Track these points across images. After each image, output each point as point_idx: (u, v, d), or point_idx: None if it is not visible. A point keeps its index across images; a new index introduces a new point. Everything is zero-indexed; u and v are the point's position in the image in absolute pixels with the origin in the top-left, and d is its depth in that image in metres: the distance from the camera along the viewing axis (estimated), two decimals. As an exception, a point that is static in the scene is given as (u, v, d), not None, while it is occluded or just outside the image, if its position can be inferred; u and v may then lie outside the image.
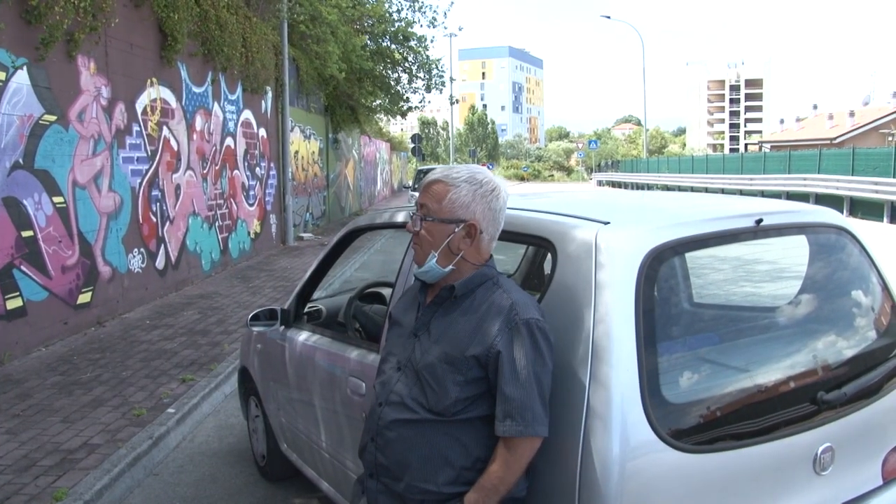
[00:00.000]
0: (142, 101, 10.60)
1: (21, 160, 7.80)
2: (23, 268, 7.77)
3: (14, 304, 7.61)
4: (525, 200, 3.17)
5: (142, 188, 10.55)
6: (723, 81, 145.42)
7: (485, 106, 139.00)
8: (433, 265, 2.39)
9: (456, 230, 2.36)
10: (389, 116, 32.91)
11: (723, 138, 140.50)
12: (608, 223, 2.56)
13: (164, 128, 11.34)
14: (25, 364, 7.43)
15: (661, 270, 2.50)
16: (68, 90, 8.71)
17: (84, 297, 8.96)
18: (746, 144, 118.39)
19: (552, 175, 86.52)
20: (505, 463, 2.24)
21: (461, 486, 2.30)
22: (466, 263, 2.40)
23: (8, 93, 7.59)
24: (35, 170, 8.05)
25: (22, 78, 7.83)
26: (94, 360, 7.57)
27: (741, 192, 32.21)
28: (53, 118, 8.38)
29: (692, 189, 37.59)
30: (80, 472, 4.86)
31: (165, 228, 11.33)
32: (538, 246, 2.92)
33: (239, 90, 14.99)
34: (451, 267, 2.39)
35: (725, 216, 2.86)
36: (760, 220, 2.72)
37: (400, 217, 3.67)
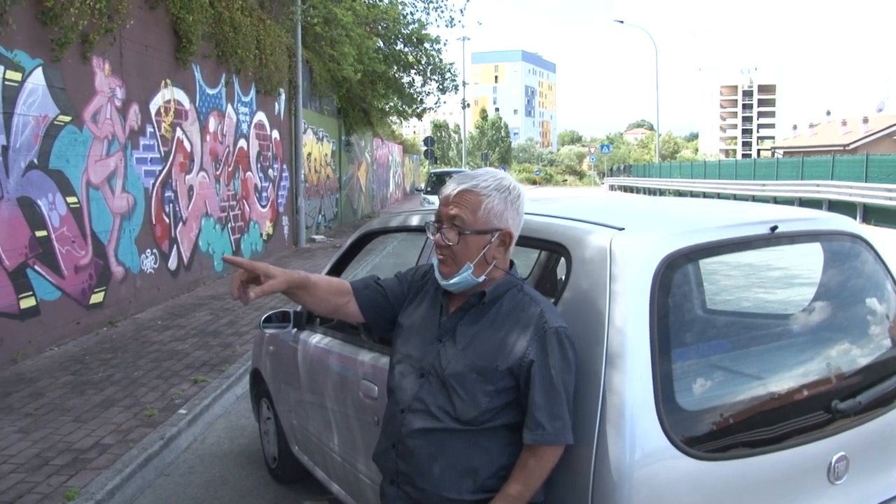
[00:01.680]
0: (156, 103, 10.64)
1: (36, 160, 7.85)
2: (36, 267, 7.81)
3: (27, 303, 7.65)
4: (539, 205, 3.17)
5: (155, 189, 10.59)
6: (736, 87, 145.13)
7: (497, 109, 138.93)
8: (467, 276, 2.35)
9: (492, 240, 2.34)
10: (402, 119, 32.92)
11: (735, 144, 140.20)
12: (623, 229, 2.55)
13: (178, 129, 11.38)
14: (38, 363, 7.46)
15: (675, 277, 2.49)
16: (83, 91, 8.76)
17: (97, 297, 9.00)
18: (759, 150, 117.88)
19: (566, 180, 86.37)
20: (530, 471, 2.23)
21: (484, 494, 2.29)
22: (497, 270, 2.39)
23: (24, 93, 7.64)
24: (49, 170, 8.09)
25: (37, 78, 7.88)
26: (106, 360, 7.60)
27: (753, 198, 32.08)
28: (68, 119, 8.43)
29: (704, 194, 37.48)
30: (92, 472, 4.88)
31: (178, 229, 11.37)
32: (552, 251, 2.91)
33: (252, 92, 15.04)
34: (483, 276, 2.36)
35: (740, 223, 2.85)
36: (775, 228, 2.71)
37: (413, 221, 3.66)
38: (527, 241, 2.75)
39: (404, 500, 2.42)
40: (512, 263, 2.46)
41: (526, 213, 2.48)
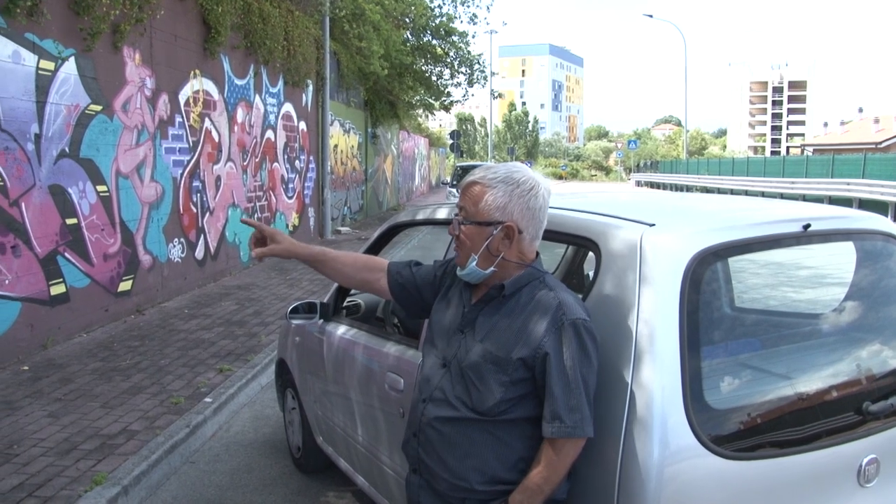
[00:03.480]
0: (185, 93, 10.71)
1: (67, 149, 7.92)
2: (66, 254, 7.90)
3: (58, 289, 7.74)
4: (568, 200, 3.16)
5: (183, 179, 10.67)
6: (765, 83, 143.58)
7: (524, 103, 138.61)
8: (474, 268, 2.37)
9: (494, 232, 2.33)
10: (429, 112, 32.91)
11: (764, 141, 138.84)
12: (653, 225, 2.54)
13: (206, 119, 11.45)
14: (67, 349, 7.55)
15: (705, 274, 2.48)
16: (114, 81, 8.83)
17: (125, 285, 9.08)
18: (788, 147, 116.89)
19: (595, 175, 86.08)
20: (550, 464, 2.22)
21: (502, 486, 2.30)
22: (509, 263, 2.37)
23: (56, 83, 7.71)
24: (80, 159, 8.17)
25: (70, 68, 7.95)
26: (134, 347, 7.67)
27: (782, 196, 31.77)
28: (99, 108, 8.50)
29: (732, 191, 37.18)
30: (119, 458, 4.93)
31: (205, 219, 11.45)
32: (581, 246, 2.90)
33: (280, 83, 15.09)
34: (492, 269, 2.36)
35: (772, 220, 2.83)
36: (808, 226, 2.68)
37: (441, 214, 3.66)
38: (556, 235, 2.75)
39: (425, 489, 2.45)
40: (537, 255, 2.45)
41: (554, 208, 2.47)
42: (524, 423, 2.29)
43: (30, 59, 7.33)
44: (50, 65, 7.63)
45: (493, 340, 2.33)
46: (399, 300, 2.77)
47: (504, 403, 2.28)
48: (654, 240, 2.46)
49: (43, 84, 7.52)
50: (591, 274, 4.29)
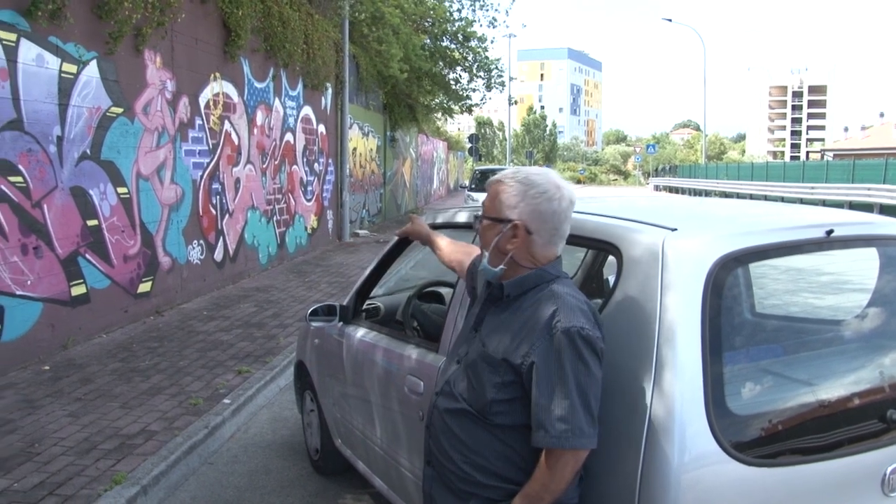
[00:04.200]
0: (205, 96, 10.77)
1: (88, 151, 7.99)
2: (87, 256, 7.96)
3: (78, 290, 7.79)
4: (587, 204, 3.14)
5: (203, 181, 10.72)
6: (785, 87, 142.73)
7: (542, 107, 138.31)
8: (485, 264, 2.40)
9: (504, 230, 2.35)
10: (447, 116, 32.93)
11: (783, 145, 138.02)
12: (675, 230, 2.53)
13: (226, 122, 11.51)
14: (87, 349, 7.60)
15: (727, 279, 2.47)
16: (135, 83, 8.89)
17: (144, 287, 9.14)
18: (808, 152, 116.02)
19: (616, 179, 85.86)
20: (547, 473, 2.19)
21: (510, 484, 2.29)
22: (516, 264, 2.37)
23: (78, 85, 7.78)
24: (101, 160, 8.23)
25: (92, 71, 8.02)
26: (153, 348, 7.72)
27: (801, 201, 31.54)
28: (120, 111, 8.56)
29: (751, 196, 36.92)
30: (139, 458, 4.96)
31: (224, 221, 11.50)
32: (602, 250, 2.89)
33: (300, 86, 15.14)
34: (502, 267, 2.36)
35: (794, 226, 2.81)
36: (831, 231, 2.66)
37: (461, 217, 3.67)
38: (576, 239, 2.74)
39: (437, 481, 2.48)
40: (558, 259, 2.44)
41: (575, 212, 2.46)
42: (523, 430, 2.27)
43: (53, 62, 7.40)
44: (72, 68, 7.69)
45: (491, 340, 2.35)
46: (468, 286, 2.89)
47: (496, 404, 2.28)
48: (677, 245, 2.45)
49: (65, 87, 7.58)
50: (611, 278, 4.29)
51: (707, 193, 44.89)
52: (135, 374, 6.78)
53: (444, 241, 3.17)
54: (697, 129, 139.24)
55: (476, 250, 2.88)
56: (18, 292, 6.90)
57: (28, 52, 7.04)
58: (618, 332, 2.34)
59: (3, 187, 6.71)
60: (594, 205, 3.17)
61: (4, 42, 6.74)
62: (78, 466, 4.82)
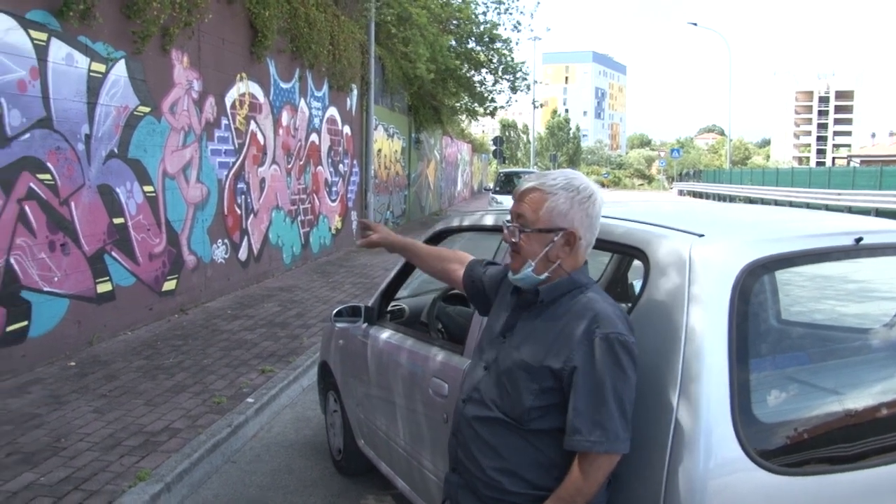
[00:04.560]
0: (231, 96, 10.82)
1: (115, 149, 8.05)
2: (113, 253, 8.02)
3: (104, 288, 7.85)
4: (611, 208, 3.12)
5: (228, 180, 10.77)
6: (811, 93, 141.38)
7: (567, 110, 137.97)
8: (528, 273, 2.35)
9: (555, 239, 2.31)
10: (472, 118, 32.93)
11: (809, 151, 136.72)
12: (702, 235, 2.52)
13: (252, 122, 11.56)
14: (112, 346, 7.66)
15: (754, 286, 2.44)
16: (162, 83, 8.95)
17: (169, 285, 9.19)
18: (834, 158, 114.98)
19: (643, 184, 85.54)
20: (580, 476, 2.19)
21: (538, 491, 2.28)
22: (561, 270, 2.35)
23: (107, 84, 7.84)
24: (128, 159, 8.29)
25: (120, 70, 8.08)
26: (177, 346, 7.76)
27: (827, 207, 31.24)
28: (147, 110, 8.62)
29: (776, 202, 36.66)
30: (162, 455, 4.98)
31: (249, 221, 11.55)
32: (629, 255, 2.87)
33: (325, 87, 15.19)
34: (546, 274, 2.34)
35: (823, 233, 2.77)
36: (860, 239, 2.62)
37: (488, 220, 3.66)
38: (603, 243, 2.72)
39: (463, 488, 2.45)
40: (585, 264, 2.43)
41: (602, 216, 2.44)
42: (556, 433, 2.26)
43: (82, 61, 7.46)
44: (101, 67, 7.75)
45: (527, 347, 2.32)
46: (468, 293, 2.87)
47: (534, 411, 2.27)
48: (704, 251, 2.43)
49: (94, 86, 7.64)
50: (636, 283, 4.26)
51: (731, 199, 44.64)
52: (159, 372, 6.82)
53: (423, 248, 3.12)
54: (722, 133, 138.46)
55: (465, 256, 2.93)
56: (46, 289, 6.96)
57: (58, 51, 7.10)
58: (644, 336, 2.32)
59: (32, 185, 6.78)
60: (620, 209, 3.15)
61: (35, 41, 6.80)
62: (103, 462, 4.85)
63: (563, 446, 2.23)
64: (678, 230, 2.61)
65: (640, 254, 2.62)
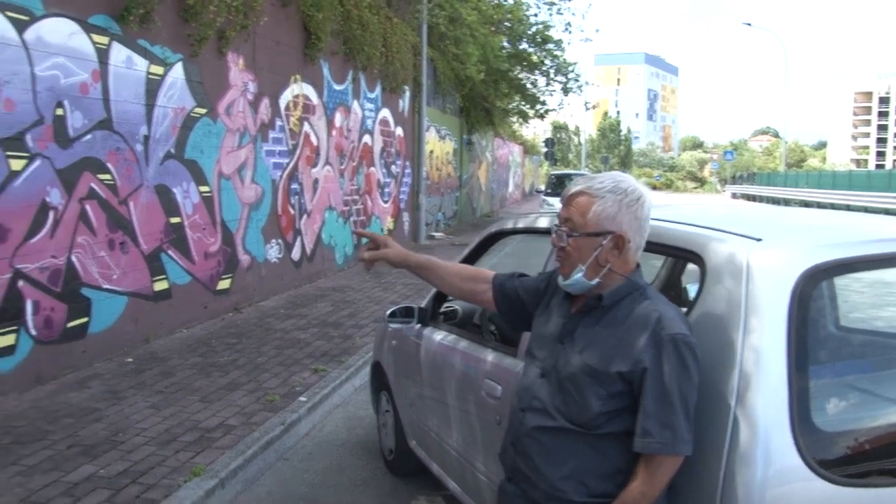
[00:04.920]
0: (285, 97, 10.94)
1: (172, 150, 8.19)
2: (170, 252, 8.16)
3: (160, 286, 7.99)
4: (665, 211, 3.09)
5: (282, 181, 10.89)
6: (870, 93, 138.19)
7: (618, 112, 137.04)
8: (579, 278, 2.33)
9: (603, 243, 2.29)
10: (524, 120, 32.87)
11: (868, 153, 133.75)
12: (760, 240, 2.48)
13: (306, 123, 11.67)
14: (168, 343, 7.79)
15: (813, 292, 2.40)
16: (218, 85, 9.09)
17: (223, 284, 9.32)
18: (895, 160, 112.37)
19: (696, 187, 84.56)
20: (646, 479, 2.18)
21: (599, 499, 2.26)
22: (614, 274, 2.33)
23: (165, 86, 7.98)
24: (185, 160, 8.43)
25: (177, 72, 8.22)
26: (231, 344, 7.86)
27: (886, 212, 30.55)
28: (203, 111, 8.76)
29: (832, 206, 35.94)
30: (217, 451, 5.06)
31: (302, 221, 11.66)
32: (684, 259, 2.84)
33: (378, 89, 15.28)
34: (597, 280, 2.32)
35: (883, 238, 2.71)
36: None
37: (541, 223, 3.65)
38: (656, 247, 2.70)
39: (521, 499, 2.42)
40: (637, 267, 2.41)
41: (656, 219, 2.42)
42: (623, 437, 2.24)
43: (141, 64, 7.61)
44: (159, 69, 7.90)
45: (592, 353, 2.29)
46: (502, 312, 2.78)
47: (602, 416, 2.25)
48: (762, 255, 2.40)
49: (152, 88, 7.79)
50: (689, 287, 4.21)
51: (786, 202, 43.87)
52: (214, 369, 6.92)
53: (443, 266, 2.89)
54: (777, 135, 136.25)
55: (487, 273, 2.84)
56: (105, 286, 7.11)
57: (118, 54, 7.25)
58: (700, 342, 2.28)
59: (93, 184, 6.93)
60: (673, 212, 3.11)
61: (97, 45, 6.96)
62: (159, 457, 4.94)
63: (628, 450, 2.22)
64: (735, 234, 2.57)
65: (697, 258, 2.59)
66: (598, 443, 2.27)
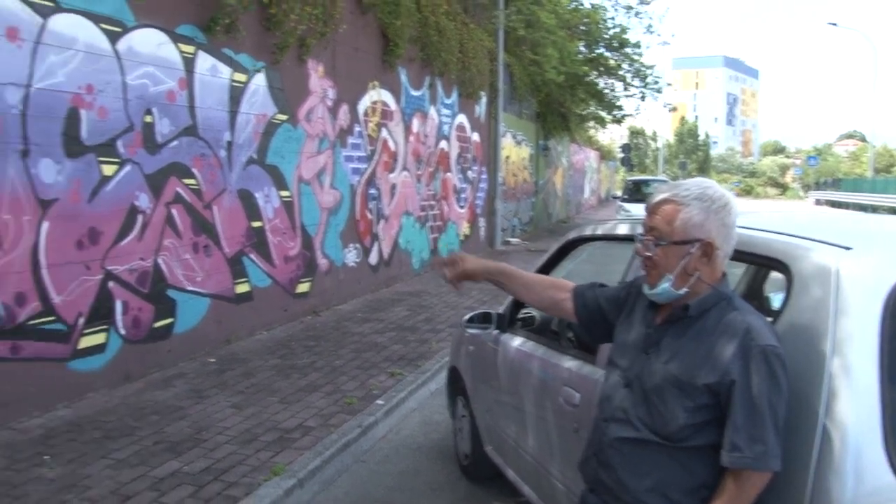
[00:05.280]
0: (363, 103, 11.08)
1: (255, 155, 8.38)
2: (251, 256, 8.35)
3: (242, 288, 8.18)
4: (750, 218, 3.03)
5: (360, 186, 11.03)
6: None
7: (696, 117, 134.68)
8: (667, 288, 2.29)
9: (691, 251, 2.25)
10: (599, 125, 32.59)
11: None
12: (850, 249, 2.42)
13: (383, 129, 11.80)
14: (249, 345, 7.96)
15: None
16: (298, 91, 9.26)
17: (303, 287, 9.48)
18: None
19: (779, 193, 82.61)
20: (733, 495, 2.13)
21: None
22: (701, 283, 2.28)
23: (248, 93, 8.18)
24: (266, 165, 8.61)
25: (259, 80, 8.41)
26: (310, 347, 8.00)
27: (983, 218, 29.32)
28: (284, 117, 8.94)
29: (924, 212, 34.68)
30: (296, 452, 5.15)
31: (380, 226, 11.79)
32: (769, 268, 2.78)
33: (455, 95, 15.35)
34: (685, 289, 2.28)
35: None
36: None
37: (621, 229, 3.62)
38: (738, 255, 2.64)
39: None
40: (724, 276, 2.36)
41: (740, 227, 2.37)
42: (709, 450, 2.20)
43: (225, 72, 7.81)
44: (242, 77, 8.09)
45: (679, 364, 2.25)
46: (583, 323, 2.75)
47: (688, 429, 2.21)
48: (852, 265, 2.33)
49: (235, 95, 7.99)
50: (772, 296, 4.11)
51: (874, 209, 42.44)
52: (293, 371, 7.05)
53: (525, 274, 2.92)
54: (864, 139, 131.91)
55: (566, 283, 2.82)
56: (189, 288, 7.32)
57: (204, 62, 7.46)
58: (787, 353, 2.23)
59: (178, 189, 7.14)
60: (755, 219, 3.04)
61: (184, 54, 7.18)
62: (240, 455, 5.06)
63: (714, 464, 2.18)
64: (824, 242, 2.51)
65: (783, 266, 2.53)
66: (683, 456, 2.23)
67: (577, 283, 2.84)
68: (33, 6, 5.60)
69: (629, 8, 24.70)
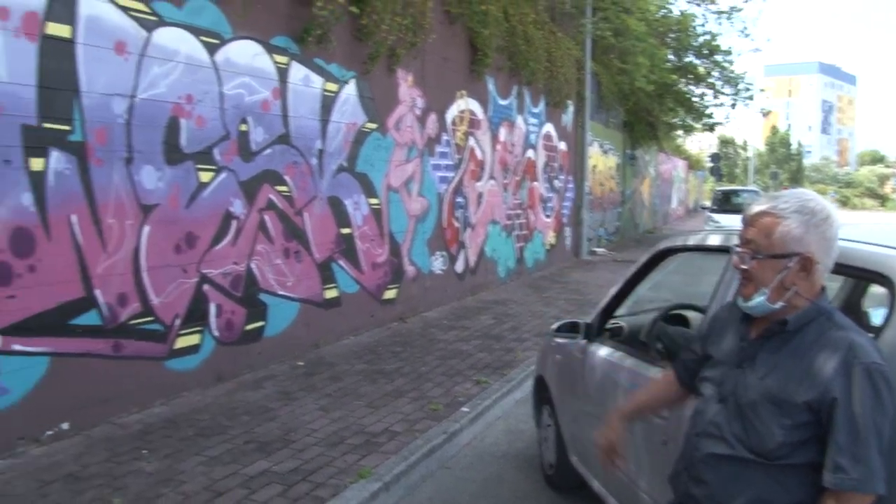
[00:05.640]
0: (451, 112, 11.16)
1: (345, 163, 8.53)
2: (340, 262, 8.49)
3: (331, 294, 8.33)
4: (847, 230, 2.95)
5: (447, 194, 11.11)
6: None
7: (789, 126, 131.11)
8: (762, 301, 2.24)
9: (789, 265, 2.20)
10: (688, 134, 32.04)
11: None
12: None
13: (471, 138, 11.86)
14: (336, 349, 8.10)
15: None
16: (388, 101, 9.39)
17: (390, 294, 9.60)
18: None
19: (881, 204, 79.78)
20: None
21: None
22: (799, 297, 2.23)
23: (339, 102, 8.34)
24: (356, 173, 8.76)
25: (350, 89, 8.57)
26: (396, 352, 8.08)
27: None
28: (374, 126, 9.08)
29: None
30: (381, 455, 5.22)
31: (466, 234, 11.85)
32: (868, 281, 2.69)
33: (542, 104, 15.33)
34: (781, 303, 2.23)
35: None
36: None
37: (713, 240, 3.56)
38: (837, 267, 2.57)
39: None
40: (823, 290, 2.29)
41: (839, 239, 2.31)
42: (806, 469, 2.14)
43: (317, 81, 7.98)
44: (334, 87, 8.26)
45: (776, 380, 2.20)
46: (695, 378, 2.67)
47: (784, 447, 2.15)
48: None
49: (327, 104, 8.15)
50: (872, 311, 3.98)
51: (981, 221, 40.59)
52: (380, 376, 7.14)
53: (647, 399, 3.01)
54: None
55: (666, 374, 2.86)
56: (280, 292, 7.49)
57: (297, 73, 7.65)
58: (892, 372, 2.15)
59: (271, 196, 7.32)
60: (854, 230, 2.96)
61: (278, 65, 7.37)
62: (327, 457, 5.15)
63: (811, 484, 2.12)
64: None
65: (885, 280, 2.46)
66: (779, 474, 2.17)
67: (665, 293, 2.82)
68: (140, 21, 5.85)
69: (720, 13, 24.21)
